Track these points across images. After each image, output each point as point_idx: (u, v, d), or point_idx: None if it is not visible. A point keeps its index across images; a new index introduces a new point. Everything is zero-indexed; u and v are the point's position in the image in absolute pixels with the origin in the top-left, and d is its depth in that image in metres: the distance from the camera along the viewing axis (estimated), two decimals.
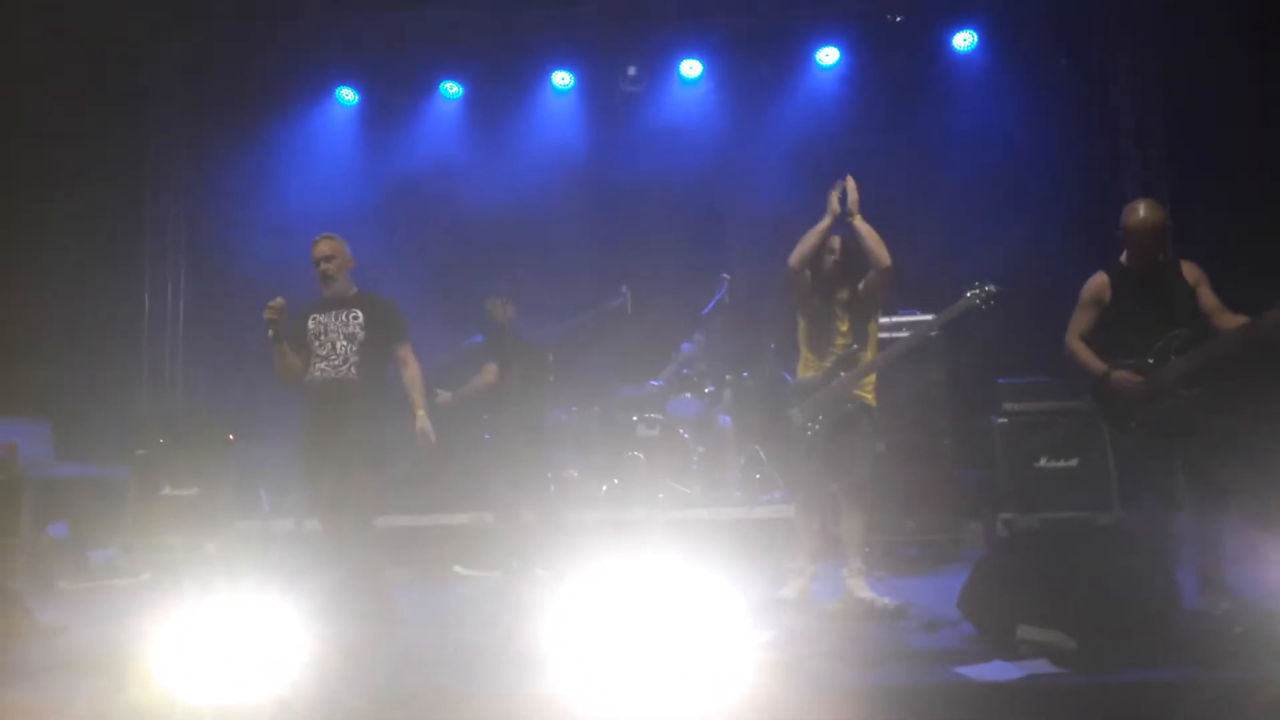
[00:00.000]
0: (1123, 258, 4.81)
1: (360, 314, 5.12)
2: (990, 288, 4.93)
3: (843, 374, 4.99)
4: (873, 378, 5.08)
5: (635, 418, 7.54)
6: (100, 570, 6.66)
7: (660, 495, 7.21)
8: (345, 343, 5.07)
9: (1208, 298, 4.66)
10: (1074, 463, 6.45)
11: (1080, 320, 4.87)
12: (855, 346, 5.02)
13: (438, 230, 9.22)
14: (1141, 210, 4.67)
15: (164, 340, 9.40)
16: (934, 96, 8.92)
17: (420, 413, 5.12)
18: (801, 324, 5.22)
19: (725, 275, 8.06)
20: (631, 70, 9.22)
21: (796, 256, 5.04)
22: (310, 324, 5.15)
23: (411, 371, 5.18)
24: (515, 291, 7.05)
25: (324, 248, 5.20)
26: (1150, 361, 4.63)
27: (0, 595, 4.75)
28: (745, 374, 7.89)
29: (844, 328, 5.06)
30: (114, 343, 8.72)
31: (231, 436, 7.35)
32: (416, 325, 6.67)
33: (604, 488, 7.41)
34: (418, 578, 6.36)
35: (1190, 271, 4.71)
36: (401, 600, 5.23)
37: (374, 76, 9.71)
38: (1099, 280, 4.85)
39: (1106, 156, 8.48)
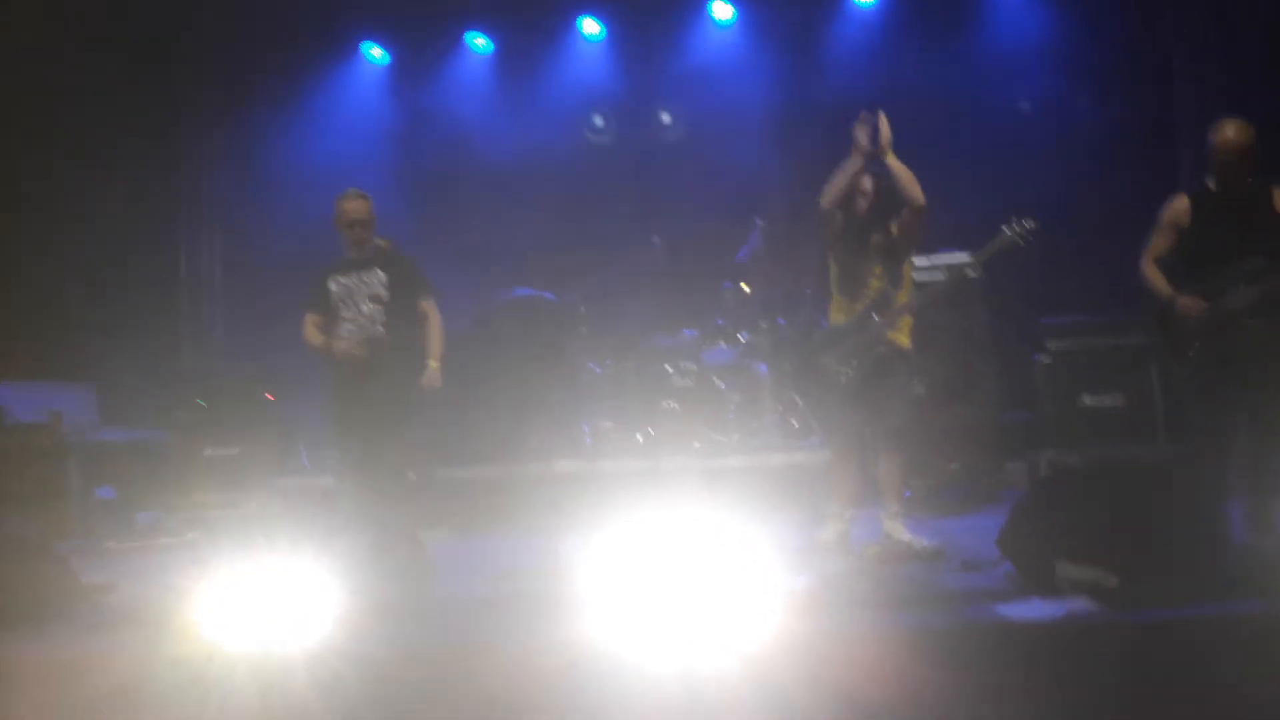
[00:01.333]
0: (1209, 181, 4.59)
1: (383, 274, 5.08)
2: (1028, 223, 4.76)
3: (876, 317, 4.87)
4: (908, 320, 4.95)
5: (669, 368, 7.47)
6: (147, 531, 6.76)
7: (696, 445, 7.16)
8: (371, 304, 5.05)
9: None
10: (1119, 399, 6.32)
11: (1157, 244, 4.66)
12: (889, 289, 4.90)
13: (468, 185, 9.16)
14: (1230, 130, 4.40)
15: (202, 302, 9.47)
16: (975, 27, 8.65)
17: (432, 364, 5.08)
18: (833, 268, 5.08)
19: (759, 221, 7.93)
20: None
21: (827, 197, 4.90)
22: (333, 286, 5.12)
23: (432, 325, 5.15)
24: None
25: (359, 208, 5.10)
26: (1219, 288, 4.43)
27: (47, 556, 4.84)
28: (781, 320, 7.78)
29: (877, 270, 4.91)
30: (153, 306, 8.78)
31: (270, 395, 7.40)
32: (447, 282, 6.66)
33: (639, 438, 7.37)
34: (455, 530, 6.36)
35: None
36: (435, 554, 5.23)
37: (401, 32, 9.63)
38: (1179, 203, 4.62)
39: (1155, 87, 8.17)
